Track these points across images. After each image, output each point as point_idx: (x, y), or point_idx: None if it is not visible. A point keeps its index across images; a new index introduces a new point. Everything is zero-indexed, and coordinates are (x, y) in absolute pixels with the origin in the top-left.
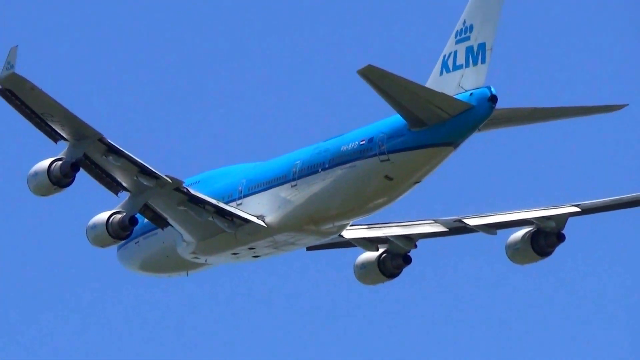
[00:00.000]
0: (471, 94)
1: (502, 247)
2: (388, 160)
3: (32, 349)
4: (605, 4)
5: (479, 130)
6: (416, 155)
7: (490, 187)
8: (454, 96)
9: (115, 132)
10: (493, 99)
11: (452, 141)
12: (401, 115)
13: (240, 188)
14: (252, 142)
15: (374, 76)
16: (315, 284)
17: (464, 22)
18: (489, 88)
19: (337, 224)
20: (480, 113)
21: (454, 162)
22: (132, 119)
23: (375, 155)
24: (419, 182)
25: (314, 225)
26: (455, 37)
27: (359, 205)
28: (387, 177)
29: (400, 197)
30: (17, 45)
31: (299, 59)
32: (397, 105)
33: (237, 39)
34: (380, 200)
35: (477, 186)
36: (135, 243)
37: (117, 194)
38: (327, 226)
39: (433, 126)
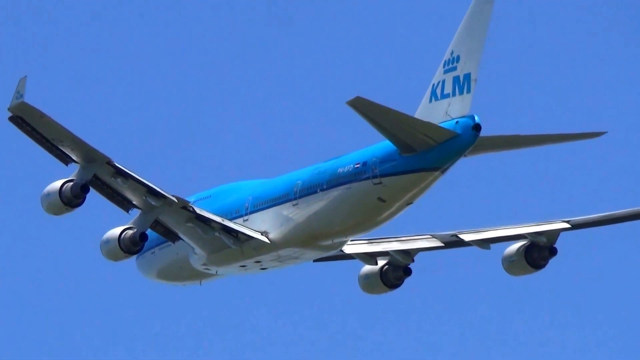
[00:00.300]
0: (457, 122)
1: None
2: (380, 183)
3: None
4: (583, 35)
5: (465, 155)
6: (406, 179)
7: (485, 204)
8: (440, 125)
9: (125, 151)
10: (477, 127)
11: (440, 166)
12: (391, 142)
13: (247, 205)
14: (262, 158)
15: (362, 107)
16: (320, 294)
17: (452, 53)
18: (473, 117)
19: (336, 240)
20: (465, 140)
21: (450, 181)
22: (145, 137)
23: (368, 178)
24: (411, 203)
25: (315, 242)
26: (444, 66)
27: (356, 224)
28: (380, 199)
29: (395, 217)
30: (26, 76)
31: (307, 79)
32: (387, 133)
33: (243, 60)
34: (375, 220)
35: (473, 203)
36: (152, 253)
37: (127, 212)
38: (327, 242)
39: (421, 152)
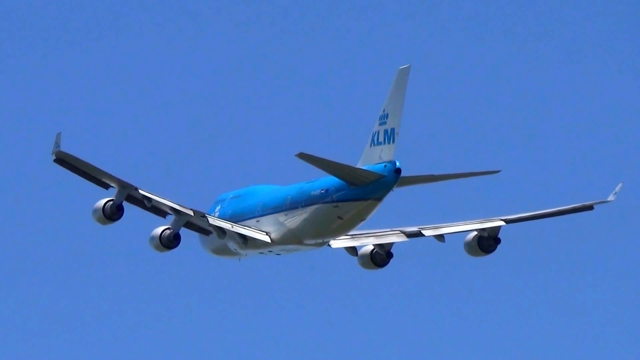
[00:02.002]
0: (385, 165)
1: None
2: (337, 206)
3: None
4: (477, 90)
5: (395, 188)
6: (353, 204)
7: (441, 206)
8: (371, 169)
9: (159, 161)
10: (398, 171)
11: (375, 196)
12: (340, 179)
13: (258, 209)
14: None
15: (306, 159)
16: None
17: (384, 110)
18: (395, 163)
19: (317, 241)
20: (390, 180)
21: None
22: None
23: (329, 201)
24: (363, 219)
25: (301, 242)
26: (379, 120)
27: (326, 233)
28: (339, 217)
29: (356, 227)
30: (60, 132)
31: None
32: (333, 174)
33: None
34: (340, 231)
35: (432, 205)
36: (208, 234)
37: (164, 217)
38: (311, 243)
39: (362, 186)
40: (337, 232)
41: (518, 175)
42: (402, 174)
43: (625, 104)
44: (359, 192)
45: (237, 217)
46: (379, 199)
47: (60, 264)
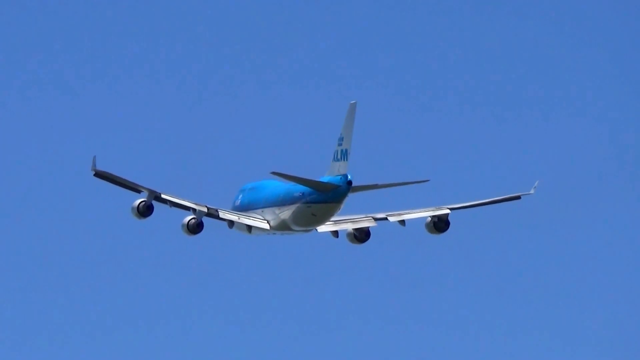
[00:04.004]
0: (341, 177)
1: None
2: (310, 206)
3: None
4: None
5: (350, 193)
6: (321, 205)
7: (403, 197)
8: (330, 180)
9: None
10: (349, 182)
11: (336, 201)
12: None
13: (263, 201)
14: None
15: (279, 176)
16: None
17: (341, 134)
18: (347, 176)
19: (302, 229)
20: (344, 189)
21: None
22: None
23: (305, 202)
24: (332, 215)
25: (291, 230)
26: (338, 142)
27: (306, 225)
28: (313, 214)
29: (327, 221)
30: (95, 155)
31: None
32: (303, 184)
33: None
34: (315, 224)
35: (395, 197)
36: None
37: (189, 210)
38: (299, 230)
39: (324, 192)
40: (313, 224)
41: (457, 174)
42: (353, 184)
43: (539, 109)
44: (324, 196)
45: (251, 205)
46: (339, 202)
47: (107, 250)
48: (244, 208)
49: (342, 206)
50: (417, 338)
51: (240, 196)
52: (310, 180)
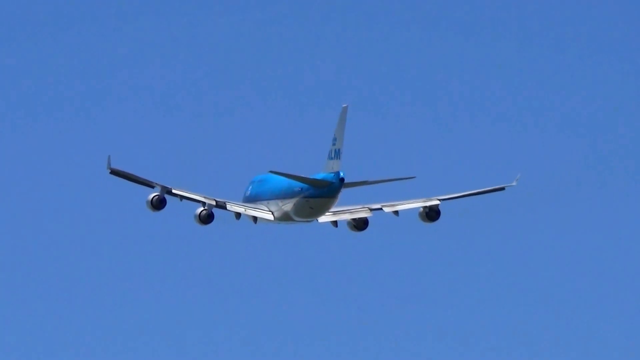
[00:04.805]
0: (334, 174)
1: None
2: (308, 201)
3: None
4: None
5: (343, 189)
6: (317, 200)
7: (397, 189)
8: (324, 177)
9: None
10: (342, 179)
11: (330, 196)
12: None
13: (269, 193)
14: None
15: (277, 174)
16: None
17: (334, 135)
18: (339, 173)
19: (303, 220)
20: (336, 186)
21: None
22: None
23: (303, 197)
24: (328, 209)
25: (293, 220)
26: (332, 142)
27: (305, 216)
28: (310, 207)
29: (324, 213)
30: (110, 154)
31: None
32: (300, 181)
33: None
34: (314, 216)
35: (390, 189)
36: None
37: (200, 204)
38: (301, 220)
39: (320, 189)
40: (313, 216)
41: (445, 169)
42: (346, 181)
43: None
44: (320, 192)
45: (259, 197)
46: (334, 197)
47: (125, 238)
48: (253, 199)
49: (337, 200)
50: (411, 317)
51: (250, 187)
52: (306, 178)
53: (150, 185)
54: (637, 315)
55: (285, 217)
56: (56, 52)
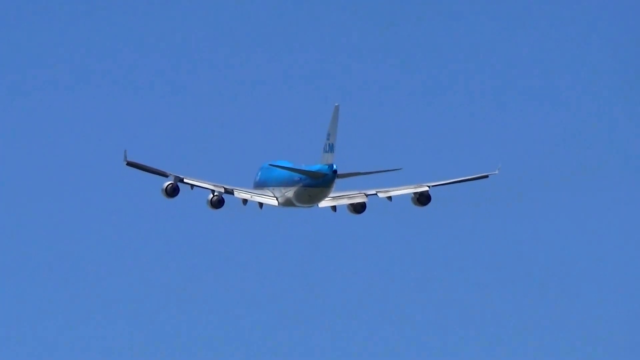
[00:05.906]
0: (328, 167)
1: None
2: (306, 189)
3: None
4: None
5: (337, 179)
6: (314, 189)
7: (390, 176)
8: (320, 169)
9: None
10: (335, 171)
11: (324, 185)
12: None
13: (274, 180)
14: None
15: (274, 167)
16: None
17: (328, 131)
18: (332, 166)
19: (304, 205)
20: (330, 177)
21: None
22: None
23: (302, 185)
24: (326, 196)
25: (295, 205)
26: (326, 137)
27: (305, 203)
28: (309, 195)
29: (322, 200)
30: (126, 149)
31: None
32: (299, 173)
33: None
34: (312, 202)
35: (384, 178)
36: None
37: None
38: (302, 205)
39: (317, 179)
40: (311, 203)
41: (433, 158)
42: (338, 172)
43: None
44: (316, 182)
45: (266, 183)
46: (328, 187)
47: (142, 222)
48: (261, 184)
49: (332, 189)
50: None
51: (260, 173)
52: (303, 170)
53: (164, 174)
54: (621, 300)
55: (288, 203)
56: (72, 45)
